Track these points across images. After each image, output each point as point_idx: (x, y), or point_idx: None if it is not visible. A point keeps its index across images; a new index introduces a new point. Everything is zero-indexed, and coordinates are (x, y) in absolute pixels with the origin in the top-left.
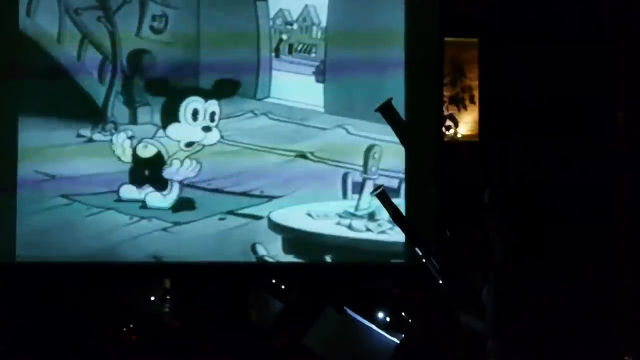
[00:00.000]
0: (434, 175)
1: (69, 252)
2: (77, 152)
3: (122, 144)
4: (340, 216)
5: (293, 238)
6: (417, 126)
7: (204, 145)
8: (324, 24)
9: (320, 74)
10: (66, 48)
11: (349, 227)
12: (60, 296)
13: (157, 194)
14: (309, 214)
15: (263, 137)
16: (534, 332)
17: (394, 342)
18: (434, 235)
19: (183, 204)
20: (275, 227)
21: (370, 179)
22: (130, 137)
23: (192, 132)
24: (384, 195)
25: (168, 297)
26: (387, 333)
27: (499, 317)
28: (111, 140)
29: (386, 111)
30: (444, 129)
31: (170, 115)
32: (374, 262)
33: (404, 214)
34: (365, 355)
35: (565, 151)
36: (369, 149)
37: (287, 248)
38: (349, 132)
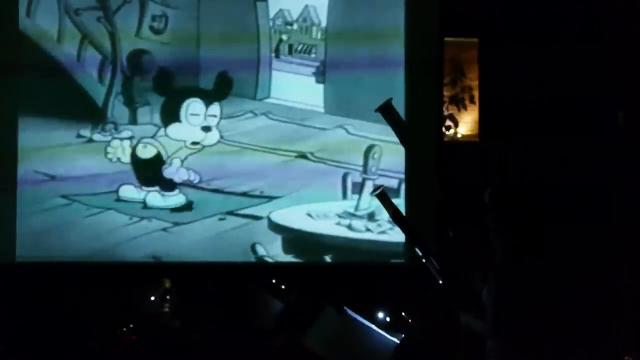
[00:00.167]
0: (435, 175)
1: (69, 252)
2: (77, 153)
3: (121, 144)
4: (340, 216)
5: (293, 238)
6: (417, 126)
7: (204, 146)
8: (324, 24)
9: (320, 74)
10: (66, 48)
11: (349, 227)
12: (60, 296)
13: (157, 194)
14: (309, 214)
15: (263, 137)
16: (534, 332)
17: (394, 342)
18: (434, 235)
19: (183, 204)
20: (275, 227)
21: (370, 179)
22: (130, 138)
23: (192, 132)
24: (383, 195)
25: (168, 297)
26: (387, 333)
27: (499, 317)
28: (111, 141)
29: (386, 111)
30: (444, 129)
31: (170, 116)
32: (374, 262)
33: (403, 214)
34: (365, 355)
35: (565, 151)
36: (369, 149)
37: (287, 248)
38: (348, 132)
